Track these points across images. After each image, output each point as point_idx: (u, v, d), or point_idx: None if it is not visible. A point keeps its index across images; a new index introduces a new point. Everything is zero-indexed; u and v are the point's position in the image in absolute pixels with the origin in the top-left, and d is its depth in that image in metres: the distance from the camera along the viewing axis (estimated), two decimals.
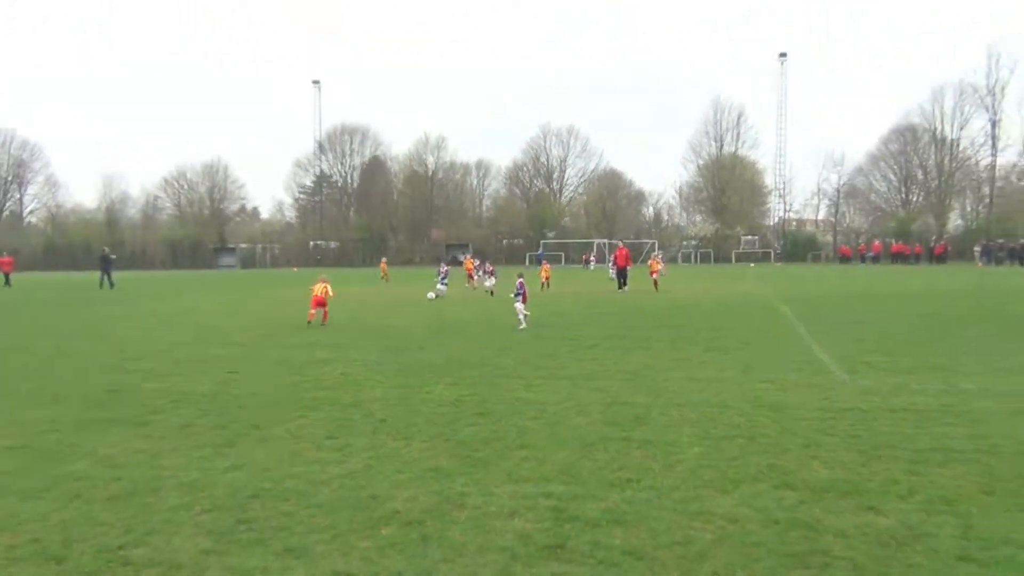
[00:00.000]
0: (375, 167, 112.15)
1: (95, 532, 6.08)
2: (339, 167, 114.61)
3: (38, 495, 6.91)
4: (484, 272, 34.20)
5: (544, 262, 35.77)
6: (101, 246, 55.92)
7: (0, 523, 6.28)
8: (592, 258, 78.05)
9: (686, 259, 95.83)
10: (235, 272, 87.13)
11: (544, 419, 9.24)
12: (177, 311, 27.00)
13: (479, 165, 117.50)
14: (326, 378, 12.32)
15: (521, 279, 19.90)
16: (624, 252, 35.02)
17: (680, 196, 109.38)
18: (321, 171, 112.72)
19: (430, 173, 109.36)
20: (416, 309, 25.98)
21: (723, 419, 9.14)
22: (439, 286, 29.68)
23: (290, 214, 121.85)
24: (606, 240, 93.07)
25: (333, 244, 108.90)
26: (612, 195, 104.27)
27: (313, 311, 21.43)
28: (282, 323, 21.86)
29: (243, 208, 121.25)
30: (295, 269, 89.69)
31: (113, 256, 50.61)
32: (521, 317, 18.99)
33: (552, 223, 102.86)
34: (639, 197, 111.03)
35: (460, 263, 47.39)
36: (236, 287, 45.55)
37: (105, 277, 44.09)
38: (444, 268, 31.71)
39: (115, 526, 6.18)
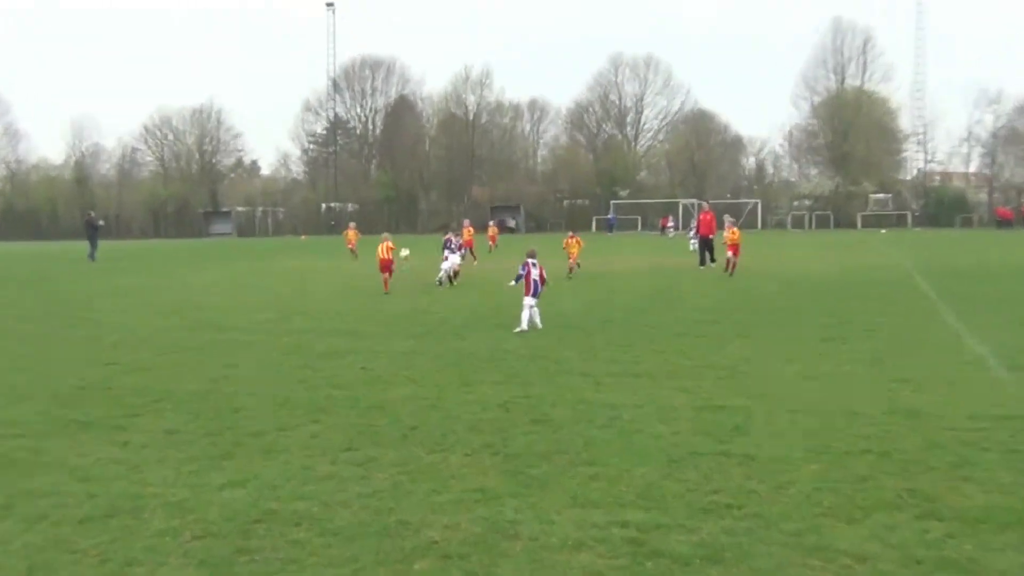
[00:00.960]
0: (402, 110, 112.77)
1: (66, 560, 6.22)
2: (358, 110, 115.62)
3: None
4: (450, 248, 27.45)
5: (572, 234, 29.46)
6: (86, 210, 57.30)
7: None
8: (671, 224, 77.16)
9: (797, 224, 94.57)
10: (230, 241, 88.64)
11: (617, 427, 9.21)
12: (161, 289, 27.54)
13: (533, 106, 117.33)
14: (343, 374, 12.46)
15: (531, 259, 17.46)
16: (708, 217, 34.43)
17: (789, 143, 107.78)
18: (336, 116, 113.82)
19: (471, 117, 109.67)
20: (453, 290, 26.12)
21: (847, 428, 8.99)
22: (444, 264, 27.18)
23: (297, 169, 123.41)
24: (694, 200, 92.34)
25: (350, 206, 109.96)
26: (702, 142, 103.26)
27: (386, 276, 24.41)
28: (289, 304, 22.17)
29: (240, 163, 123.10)
30: (304, 237, 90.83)
31: (101, 223, 51.97)
32: (524, 316, 16.70)
33: (626, 178, 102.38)
34: (736, 145, 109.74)
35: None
36: (232, 259, 46.35)
37: (91, 247, 45.27)
38: (452, 237, 27.94)
39: (89, 554, 6.32)
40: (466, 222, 42.13)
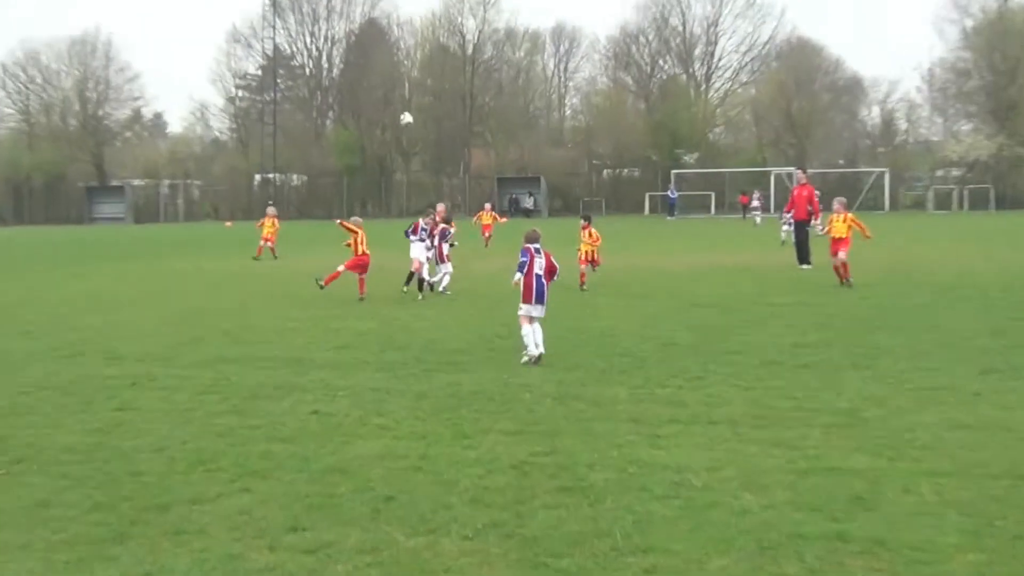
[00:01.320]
0: (371, 41, 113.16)
1: None
2: (307, 41, 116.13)
3: None
4: (421, 237, 27.39)
5: (586, 223, 27.14)
6: None
7: None
8: (758, 202, 74.67)
9: (943, 202, 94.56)
10: (124, 229, 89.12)
11: (683, 499, 9.18)
12: (22, 300, 27.60)
13: (558, 35, 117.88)
14: (287, 420, 12.48)
15: (532, 244, 16.95)
16: (806, 193, 33.93)
17: (930, 87, 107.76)
18: (276, 48, 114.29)
19: (469, 50, 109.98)
20: (440, 299, 26.13)
21: (1019, 500, 8.94)
22: (441, 266, 27.40)
23: (220, 126, 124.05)
24: (791, 169, 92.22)
25: (296, 179, 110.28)
26: (803, 86, 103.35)
27: (361, 277, 25.71)
28: (207, 321, 22.27)
29: (137, 116, 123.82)
30: (229, 224, 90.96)
31: None
32: (527, 334, 16.33)
33: (693, 137, 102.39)
34: (853, 90, 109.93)
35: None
36: (125, 256, 46.48)
37: None
38: (431, 222, 27.27)
39: None
40: (440, 207, 42.25)
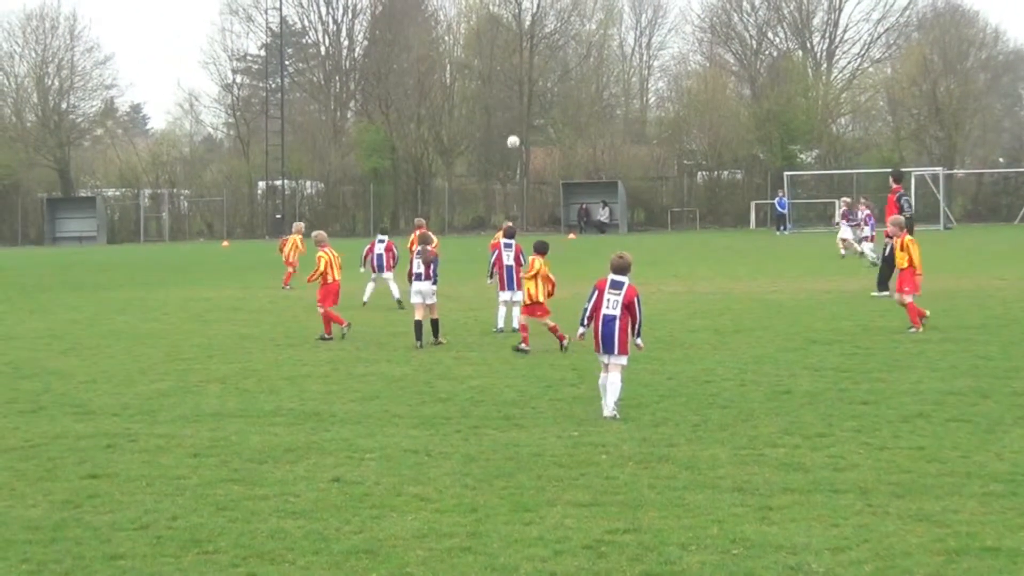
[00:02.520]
0: (403, 10, 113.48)
1: None
2: (322, 11, 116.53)
3: None
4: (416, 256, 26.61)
5: (538, 251, 26.27)
6: None
7: None
8: (867, 212, 68.76)
9: None
10: (95, 251, 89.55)
11: None
12: None
13: (638, 3, 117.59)
14: (301, 489, 12.54)
15: (617, 275, 16.70)
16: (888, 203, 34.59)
17: None
18: (283, 22, 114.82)
19: (528, 22, 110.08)
20: (492, 336, 26.17)
21: None
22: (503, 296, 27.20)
23: (215, 121, 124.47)
24: (939, 170, 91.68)
25: (310, 186, 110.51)
26: (952, 64, 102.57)
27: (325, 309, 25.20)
28: (199, 366, 22.46)
29: (110, 109, 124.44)
30: (225, 243, 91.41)
31: None
32: (602, 391, 16.54)
33: (811, 130, 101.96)
34: (1017, 68, 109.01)
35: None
36: (97, 286, 46.72)
37: None
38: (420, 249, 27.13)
39: None
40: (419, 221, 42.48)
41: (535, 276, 22.94)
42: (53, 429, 16.33)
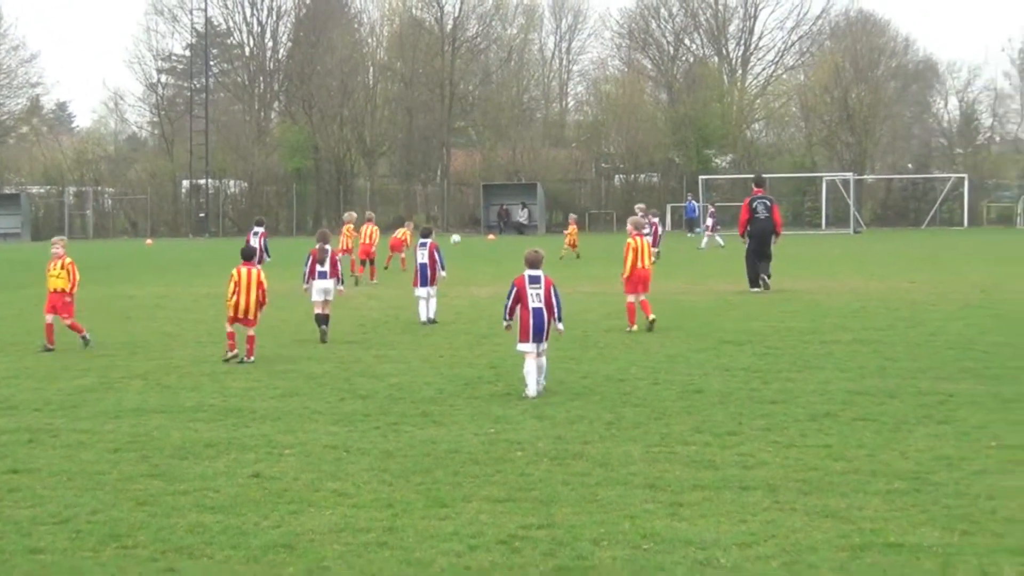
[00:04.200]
0: (326, 12, 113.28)
1: None
2: (247, 12, 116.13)
3: None
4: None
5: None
6: None
7: None
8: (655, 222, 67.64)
9: None
10: (18, 248, 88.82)
11: None
12: None
13: (560, 8, 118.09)
14: (220, 485, 12.50)
15: (531, 269, 18.06)
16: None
17: (1021, 72, 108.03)
18: (208, 22, 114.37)
19: (450, 26, 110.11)
20: (411, 334, 26.19)
21: None
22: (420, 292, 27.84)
23: (140, 119, 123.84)
24: (849, 175, 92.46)
25: (233, 185, 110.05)
26: (863, 72, 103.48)
27: (231, 329, 22.38)
28: (121, 363, 22.33)
29: (36, 107, 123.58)
30: (149, 241, 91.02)
31: None
32: (528, 378, 17.63)
33: (726, 135, 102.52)
34: (925, 76, 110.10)
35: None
36: (18, 284, 46.34)
37: None
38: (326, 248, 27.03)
39: None
40: (348, 216, 42.42)
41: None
42: None
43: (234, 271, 22.51)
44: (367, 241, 42.29)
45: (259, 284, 22.32)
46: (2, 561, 10.01)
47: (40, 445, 14.79)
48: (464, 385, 18.74)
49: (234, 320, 22.16)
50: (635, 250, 26.20)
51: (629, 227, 26.99)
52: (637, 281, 26.17)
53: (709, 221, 70.07)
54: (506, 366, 19.47)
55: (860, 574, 9.33)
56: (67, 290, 24.47)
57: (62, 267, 24.56)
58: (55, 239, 26.03)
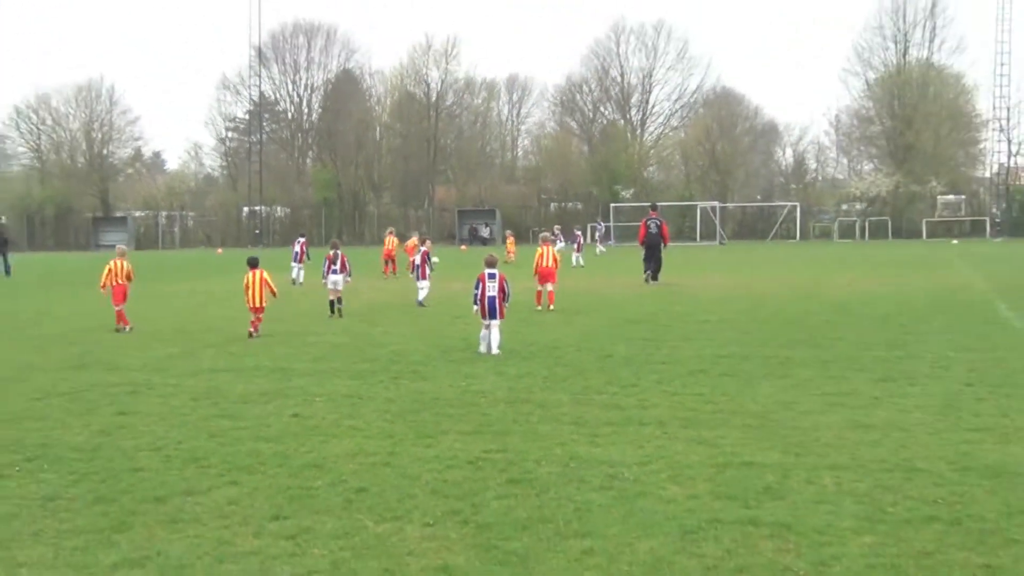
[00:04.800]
0: (346, 88, 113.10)
1: None
2: (289, 89, 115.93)
3: None
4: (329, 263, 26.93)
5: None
6: None
7: None
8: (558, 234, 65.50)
9: (846, 232, 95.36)
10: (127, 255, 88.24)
11: (618, 490, 9.27)
12: (28, 317, 27.40)
13: (512, 85, 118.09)
14: (269, 423, 12.48)
15: (489, 267, 19.04)
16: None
17: (837, 131, 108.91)
18: (261, 95, 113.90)
19: (433, 97, 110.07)
20: (407, 315, 26.16)
21: (908, 490, 9.09)
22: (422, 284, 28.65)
23: (212, 164, 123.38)
24: (716, 203, 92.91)
25: (280, 210, 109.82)
26: (726, 130, 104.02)
27: (253, 318, 22.01)
28: (199, 337, 22.24)
29: (139, 155, 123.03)
30: (219, 251, 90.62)
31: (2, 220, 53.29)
32: (482, 340, 18.66)
33: (629, 175, 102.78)
34: (769, 134, 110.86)
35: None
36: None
37: (1, 259, 48.29)
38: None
39: None
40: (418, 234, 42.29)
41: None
42: (90, 379, 16.12)
43: (246, 275, 22.43)
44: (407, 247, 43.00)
45: (264, 283, 22.17)
46: (113, 476, 9.99)
47: (140, 395, 14.71)
48: (444, 351, 18.66)
49: (252, 310, 22.06)
50: (540, 255, 27.57)
51: (540, 240, 28.57)
52: (541, 275, 27.32)
53: (596, 235, 71.23)
54: (473, 339, 19.41)
55: (722, 484, 9.36)
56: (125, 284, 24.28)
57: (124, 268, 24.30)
58: (120, 247, 26.05)
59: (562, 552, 7.65)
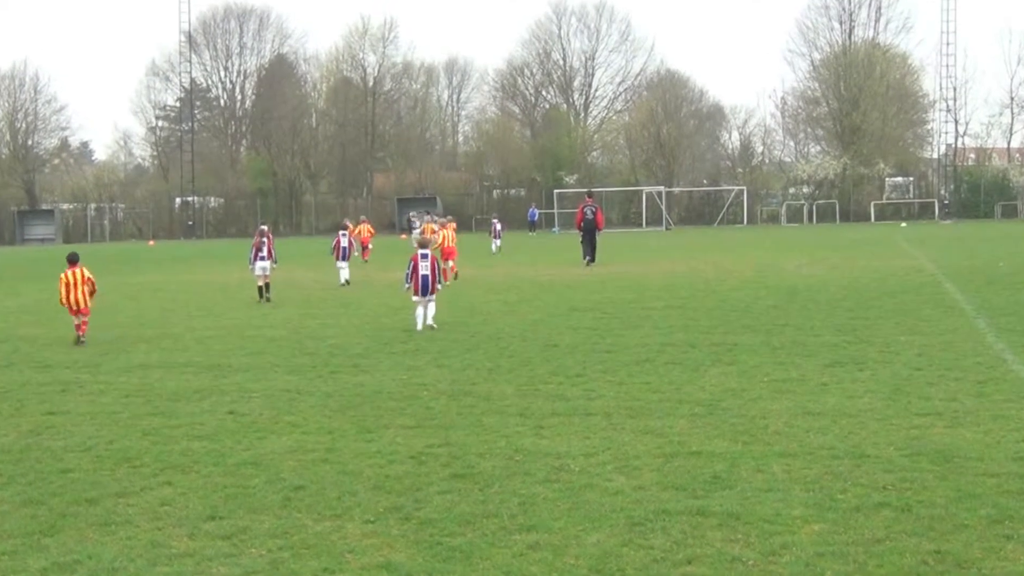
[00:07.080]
0: (280, 74, 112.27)
1: None
2: (221, 75, 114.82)
3: None
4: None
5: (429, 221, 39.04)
6: None
7: None
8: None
9: (794, 216, 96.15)
10: (53, 249, 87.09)
11: (564, 482, 9.29)
12: None
13: (451, 68, 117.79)
14: (204, 421, 12.39)
15: (422, 248, 21.12)
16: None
17: (783, 113, 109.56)
18: (192, 82, 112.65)
19: (370, 83, 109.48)
20: (348, 308, 26.06)
21: (857, 477, 9.19)
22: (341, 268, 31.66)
23: (142, 153, 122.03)
24: (662, 188, 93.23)
25: (213, 200, 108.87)
26: (671, 114, 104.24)
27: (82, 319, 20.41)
28: (129, 331, 22.06)
29: (65, 145, 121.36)
30: (151, 243, 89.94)
31: None
32: (417, 319, 20.39)
33: (573, 160, 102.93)
34: (715, 117, 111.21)
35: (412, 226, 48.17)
36: (52, 275, 45.47)
37: None
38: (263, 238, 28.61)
39: None
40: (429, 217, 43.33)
41: None
42: (16, 378, 15.99)
43: (65, 274, 20.91)
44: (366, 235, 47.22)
45: (85, 281, 20.62)
46: (42, 478, 9.91)
47: (70, 393, 14.57)
48: (384, 344, 18.62)
49: (73, 313, 20.51)
50: (444, 237, 32.77)
51: (435, 226, 35.17)
52: (444, 253, 31.21)
53: (495, 228, 61.80)
54: (415, 331, 19.40)
55: (670, 474, 9.42)
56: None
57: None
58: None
59: (507, 547, 7.66)
